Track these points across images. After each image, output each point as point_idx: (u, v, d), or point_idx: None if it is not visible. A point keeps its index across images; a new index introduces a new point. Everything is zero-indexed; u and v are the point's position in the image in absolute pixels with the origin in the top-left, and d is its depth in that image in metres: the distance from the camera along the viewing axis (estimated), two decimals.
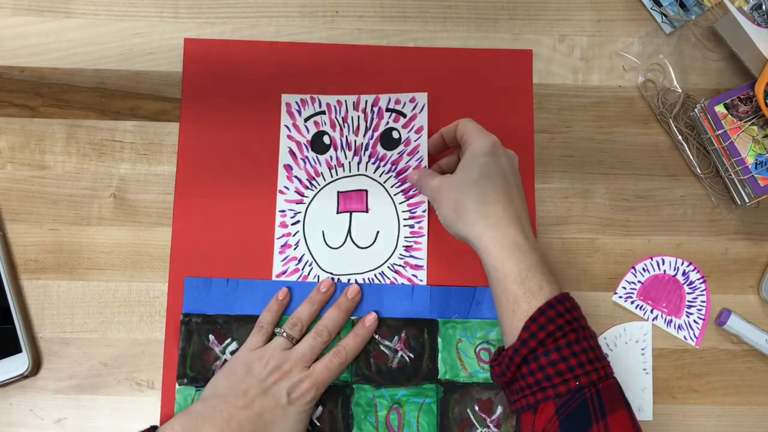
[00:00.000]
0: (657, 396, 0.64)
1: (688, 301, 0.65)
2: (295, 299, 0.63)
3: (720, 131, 0.64)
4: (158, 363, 0.62)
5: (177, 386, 0.61)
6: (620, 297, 0.65)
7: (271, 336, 0.61)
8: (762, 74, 0.64)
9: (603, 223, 0.66)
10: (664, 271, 0.66)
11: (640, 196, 0.67)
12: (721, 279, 0.66)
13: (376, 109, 0.67)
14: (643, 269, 0.66)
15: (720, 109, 0.64)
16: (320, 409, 0.61)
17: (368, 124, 0.66)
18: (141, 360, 0.62)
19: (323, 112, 0.66)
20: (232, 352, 0.62)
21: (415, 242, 0.65)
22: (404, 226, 0.65)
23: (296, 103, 0.67)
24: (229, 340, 0.62)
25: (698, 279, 0.66)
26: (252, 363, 0.58)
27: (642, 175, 0.67)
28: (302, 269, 0.64)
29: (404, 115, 0.67)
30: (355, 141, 0.66)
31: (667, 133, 0.68)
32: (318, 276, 0.64)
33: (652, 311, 0.65)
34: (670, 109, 0.67)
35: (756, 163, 0.64)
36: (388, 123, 0.66)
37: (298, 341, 0.60)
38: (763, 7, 0.67)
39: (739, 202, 0.65)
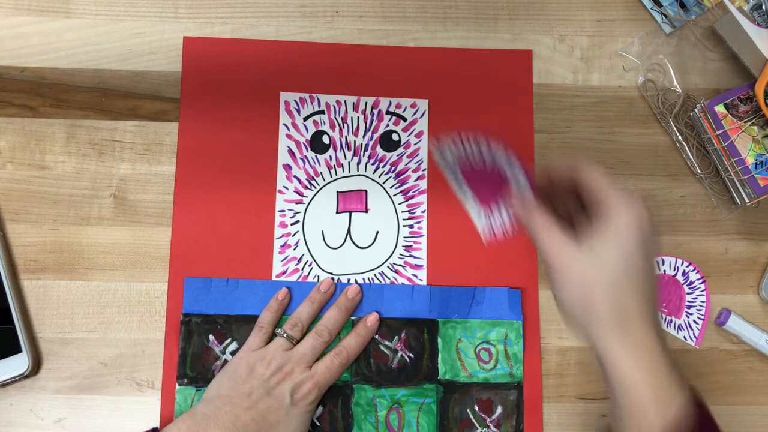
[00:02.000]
0: None
1: (688, 301, 0.65)
2: (295, 299, 0.63)
3: (720, 131, 0.64)
4: (158, 363, 0.62)
5: (177, 386, 0.62)
6: None
7: (272, 336, 0.61)
8: (762, 74, 0.63)
9: None
10: (664, 271, 0.66)
11: None
12: (721, 279, 0.66)
13: (376, 112, 0.67)
14: None
15: (720, 109, 0.64)
16: (320, 409, 0.61)
17: (368, 126, 0.66)
18: (141, 360, 0.62)
19: (322, 112, 0.66)
20: (233, 352, 0.62)
21: (415, 242, 0.65)
22: (404, 226, 0.65)
23: (295, 101, 0.67)
24: (229, 340, 0.62)
25: (698, 279, 0.66)
26: (254, 364, 0.58)
27: (642, 175, 0.67)
28: (302, 269, 0.64)
29: (404, 119, 0.67)
30: (355, 141, 0.66)
31: (667, 133, 0.68)
32: (318, 276, 0.64)
33: None
34: (670, 109, 0.67)
35: (756, 163, 0.63)
36: (387, 125, 0.66)
37: (298, 341, 0.60)
38: (763, 7, 0.66)
39: (739, 202, 0.65)
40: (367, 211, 0.65)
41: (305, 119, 0.66)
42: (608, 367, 0.46)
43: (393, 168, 0.66)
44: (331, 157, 0.66)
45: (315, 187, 0.65)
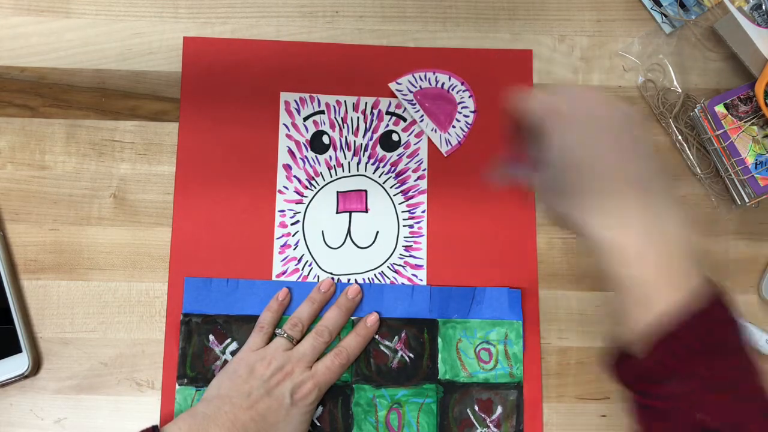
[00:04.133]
0: None
1: None
2: (295, 299, 0.63)
3: (720, 131, 0.64)
4: (158, 363, 0.62)
5: (177, 386, 0.62)
6: None
7: (272, 336, 0.61)
8: (762, 74, 0.63)
9: None
10: None
11: None
12: (721, 279, 0.66)
13: (376, 112, 0.67)
14: None
15: (720, 109, 0.64)
16: (320, 409, 0.61)
17: (368, 126, 0.66)
18: (141, 360, 0.62)
19: (322, 112, 0.66)
20: (233, 353, 0.62)
21: (415, 242, 0.65)
22: (404, 226, 0.65)
23: (295, 101, 0.67)
24: (229, 340, 0.62)
25: None
26: (254, 364, 0.58)
27: None
28: (302, 269, 0.64)
29: (404, 119, 0.67)
30: (355, 141, 0.66)
31: (667, 133, 0.68)
32: (318, 276, 0.64)
33: None
34: (670, 109, 0.67)
35: (756, 163, 0.63)
36: (387, 125, 0.66)
37: (298, 341, 0.60)
38: (763, 7, 0.66)
39: (739, 202, 0.65)
40: (367, 211, 0.65)
41: (305, 119, 0.66)
42: (594, 241, 0.47)
43: (393, 168, 0.66)
44: (331, 157, 0.66)
45: (315, 187, 0.65)
